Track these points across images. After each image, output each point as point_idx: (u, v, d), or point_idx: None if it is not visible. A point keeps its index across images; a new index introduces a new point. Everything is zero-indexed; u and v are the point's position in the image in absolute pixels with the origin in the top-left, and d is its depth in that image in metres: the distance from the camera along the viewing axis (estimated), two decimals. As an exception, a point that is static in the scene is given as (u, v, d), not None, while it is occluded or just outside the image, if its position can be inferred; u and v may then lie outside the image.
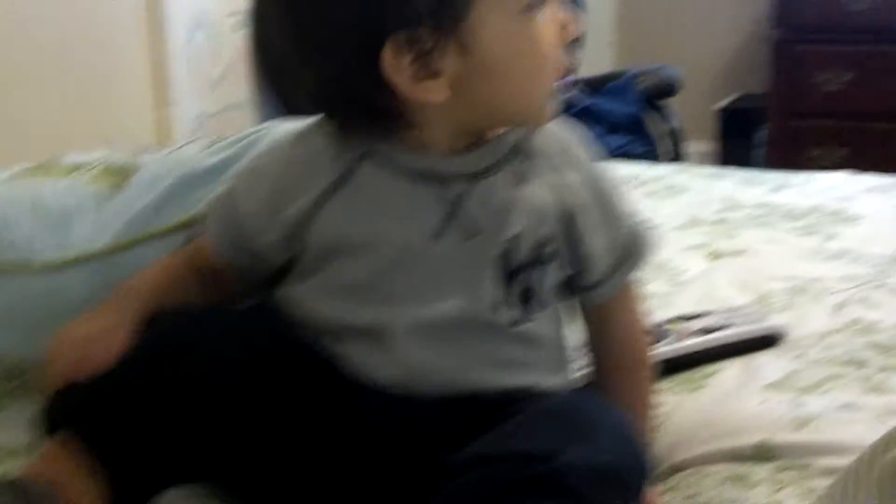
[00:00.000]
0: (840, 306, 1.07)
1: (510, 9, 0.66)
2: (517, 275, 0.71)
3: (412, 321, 0.70)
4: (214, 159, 0.93)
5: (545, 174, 0.72)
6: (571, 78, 0.65)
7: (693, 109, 3.38)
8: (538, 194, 0.71)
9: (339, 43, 0.64)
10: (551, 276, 0.73)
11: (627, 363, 0.78)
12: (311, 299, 0.72)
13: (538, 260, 0.72)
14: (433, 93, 0.65)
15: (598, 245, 0.74)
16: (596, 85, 2.45)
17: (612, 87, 2.40)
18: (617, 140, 2.28)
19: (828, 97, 3.07)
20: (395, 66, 0.64)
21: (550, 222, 0.72)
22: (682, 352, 0.96)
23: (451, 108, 0.67)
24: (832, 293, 1.11)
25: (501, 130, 0.72)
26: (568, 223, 0.72)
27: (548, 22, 0.68)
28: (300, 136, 0.75)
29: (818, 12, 3.05)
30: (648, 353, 0.80)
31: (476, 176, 0.71)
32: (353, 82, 0.65)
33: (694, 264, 1.23)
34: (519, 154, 0.72)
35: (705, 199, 1.48)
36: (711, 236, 1.32)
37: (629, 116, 2.32)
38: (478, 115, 0.69)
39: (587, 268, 0.74)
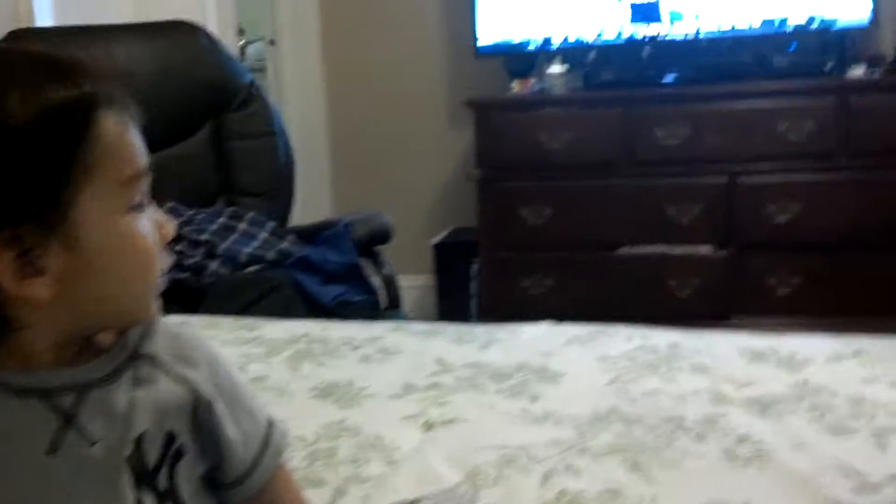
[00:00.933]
0: (547, 477, 1.10)
1: (114, 208, 0.67)
2: (153, 474, 0.71)
3: None
4: None
5: (168, 373, 0.73)
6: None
7: (410, 245, 3.49)
8: (161, 393, 0.72)
9: None
10: (188, 470, 0.73)
11: None
12: None
13: (170, 456, 0.72)
14: (38, 290, 0.64)
15: (231, 438, 0.75)
16: (311, 234, 2.45)
17: (327, 235, 2.42)
18: (335, 289, 2.28)
19: (532, 230, 3.27)
20: None
21: (176, 418, 0.72)
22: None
23: (59, 307, 0.66)
24: (539, 461, 1.14)
25: (112, 338, 0.72)
26: (195, 418, 0.73)
27: (149, 222, 0.70)
28: None
29: (518, 152, 3.26)
30: None
31: (89, 385, 0.69)
32: None
33: (408, 438, 1.23)
34: (137, 358, 0.72)
35: (418, 361, 1.50)
36: (424, 404, 1.33)
37: (345, 265, 2.33)
38: (86, 314, 0.68)
39: (226, 461, 0.75)
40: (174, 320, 1.78)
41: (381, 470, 1.15)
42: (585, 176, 3.21)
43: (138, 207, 0.69)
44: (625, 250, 3.18)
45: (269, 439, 0.78)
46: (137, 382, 0.71)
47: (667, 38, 3.21)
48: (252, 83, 2.74)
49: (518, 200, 3.26)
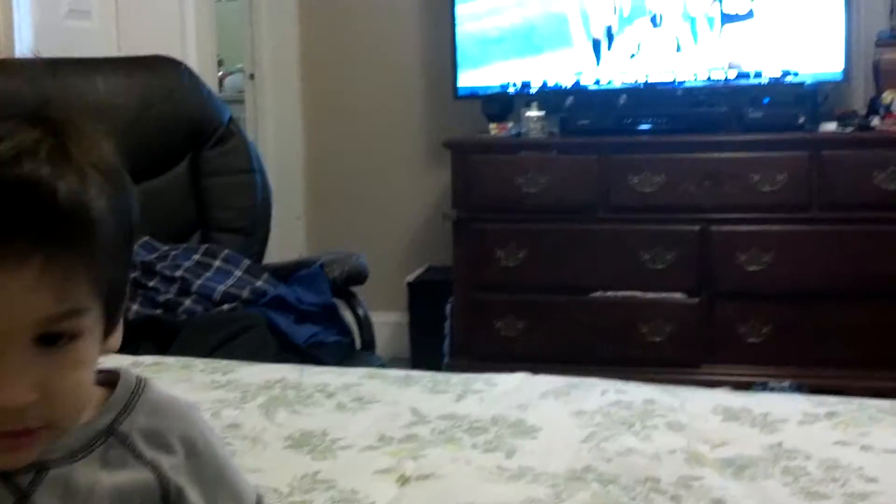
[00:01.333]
0: (522, 538, 1.09)
1: None
2: None
3: None
4: None
5: (138, 458, 0.69)
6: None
7: (385, 282, 3.48)
8: (126, 478, 0.68)
9: None
10: None
11: None
12: None
13: None
14: None
15: None
16: (286, 273, 2.45)
17: (302, 275, 2.41)
18: (309, 329, 2.27)
19: (506, 271, 3.28)
20: None
21: (142, 501, 0.69)
22: None
23: None
24: (514, 521, 1.14)
25: (90, 414, 0.69)
26: (167, 502, 0.70)
27: None
28: None
29: (494, 193, 3.28)
30: None
31: (52, 462, 0.67)
32: None
33: (382, 493, 1.22)
34: (110, 437, 0.69)
35: (393, 411, 1.49)
36: (399, 458, 1.32)
37: (320, 305, 2.33)
38: None
39: None
40: (148, 360, 1.77)
41: (356, 526, 1.14)
42: (560, 219, 3.23)
43: None
44: (598, 294, 3.20)
45: None
46: (105, 464, 0.68)
47: (643, 87, 3.25)
48: (231, 120, 2.74)
49: (493, 242, 3.28)
